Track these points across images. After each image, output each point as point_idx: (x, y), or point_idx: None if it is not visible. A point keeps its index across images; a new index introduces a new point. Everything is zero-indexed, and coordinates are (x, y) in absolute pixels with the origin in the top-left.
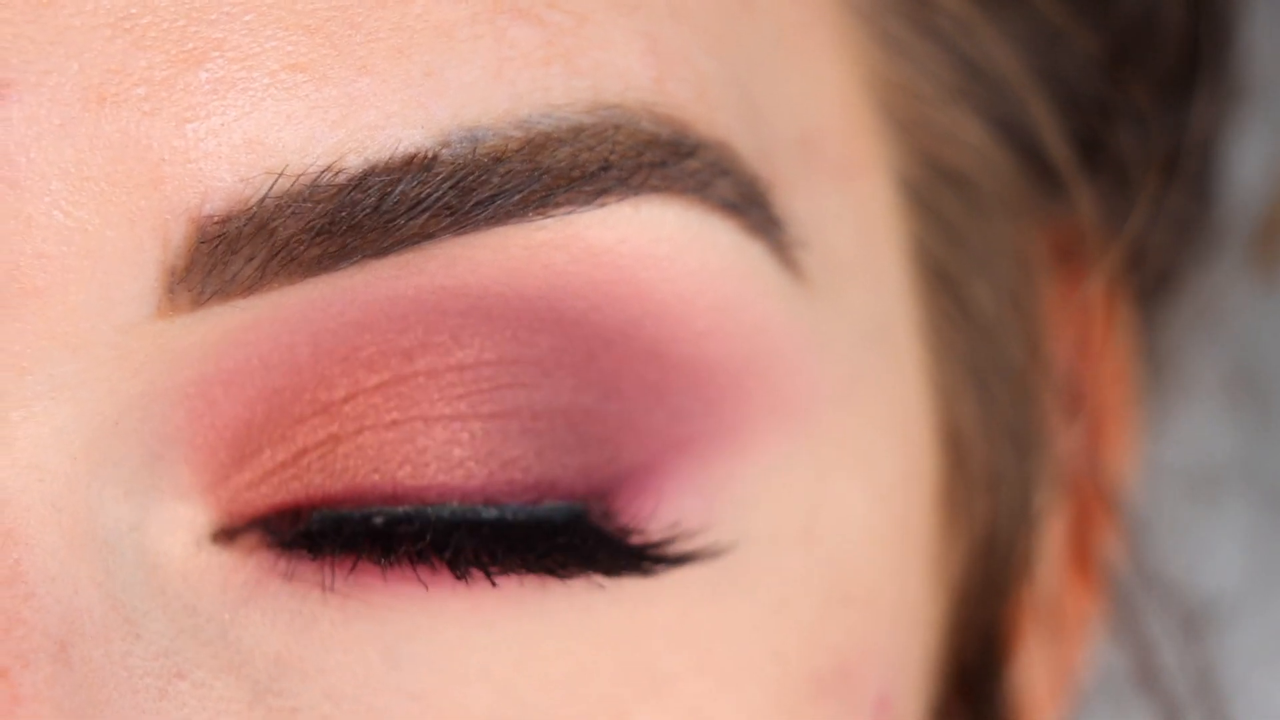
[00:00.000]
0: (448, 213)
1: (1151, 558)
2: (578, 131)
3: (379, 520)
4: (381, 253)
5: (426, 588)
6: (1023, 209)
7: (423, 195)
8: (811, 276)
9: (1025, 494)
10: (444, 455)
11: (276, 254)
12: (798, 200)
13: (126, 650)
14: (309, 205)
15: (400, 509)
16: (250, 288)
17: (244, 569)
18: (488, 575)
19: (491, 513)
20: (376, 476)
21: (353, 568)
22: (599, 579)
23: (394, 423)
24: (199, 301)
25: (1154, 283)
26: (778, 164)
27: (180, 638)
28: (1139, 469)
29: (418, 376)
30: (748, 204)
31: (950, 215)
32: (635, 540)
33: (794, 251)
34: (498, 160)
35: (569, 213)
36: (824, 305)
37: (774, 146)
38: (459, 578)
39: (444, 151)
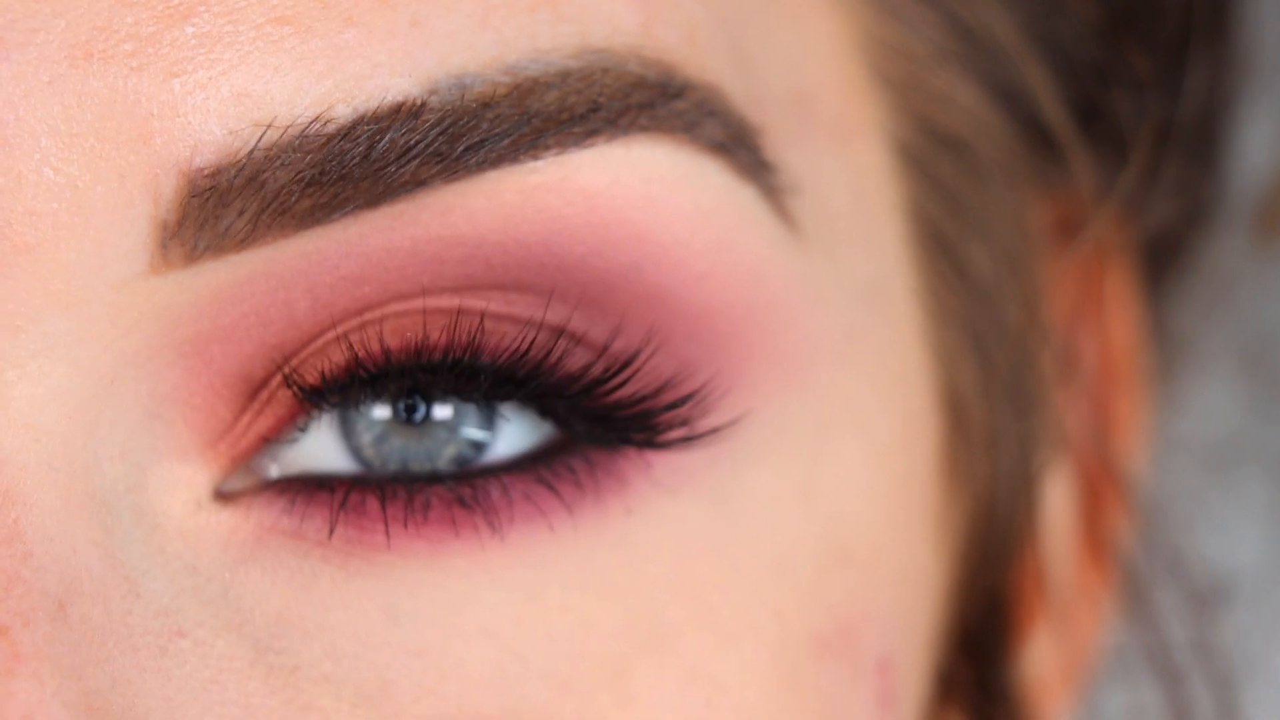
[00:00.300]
0: (437, 159)
1: (1166, 535)
2: (565, 75)
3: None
4: (373, 202)
5: (423, 525)
6: (1021, 174)
7: (412, 142)
8: (805, 228)
9: (1025, 456)
10: (457, 329)
11: (268, 206)
12: (791, 153)
13: (126, 609)
14: (298, 156)
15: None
16: (243, 241)
17: (245, 527)
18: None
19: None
20: (391, 342)
21: (353, 510)
22: (599, 451)
23: (401, 313)
24: (192, 257)
25: (1166, 259)
26: (770, 114)
27: (181, 596)
28: (1153, 446)
29: (416, 295)
30: (736, 145)
31: (946, 179)
32: (639, 409)
33: (786, 198)
34: (486, 105)
35: (559, 154)
36: (819, 258)
37: (766, 97)
38: (465, 489)
39: (432, 99)
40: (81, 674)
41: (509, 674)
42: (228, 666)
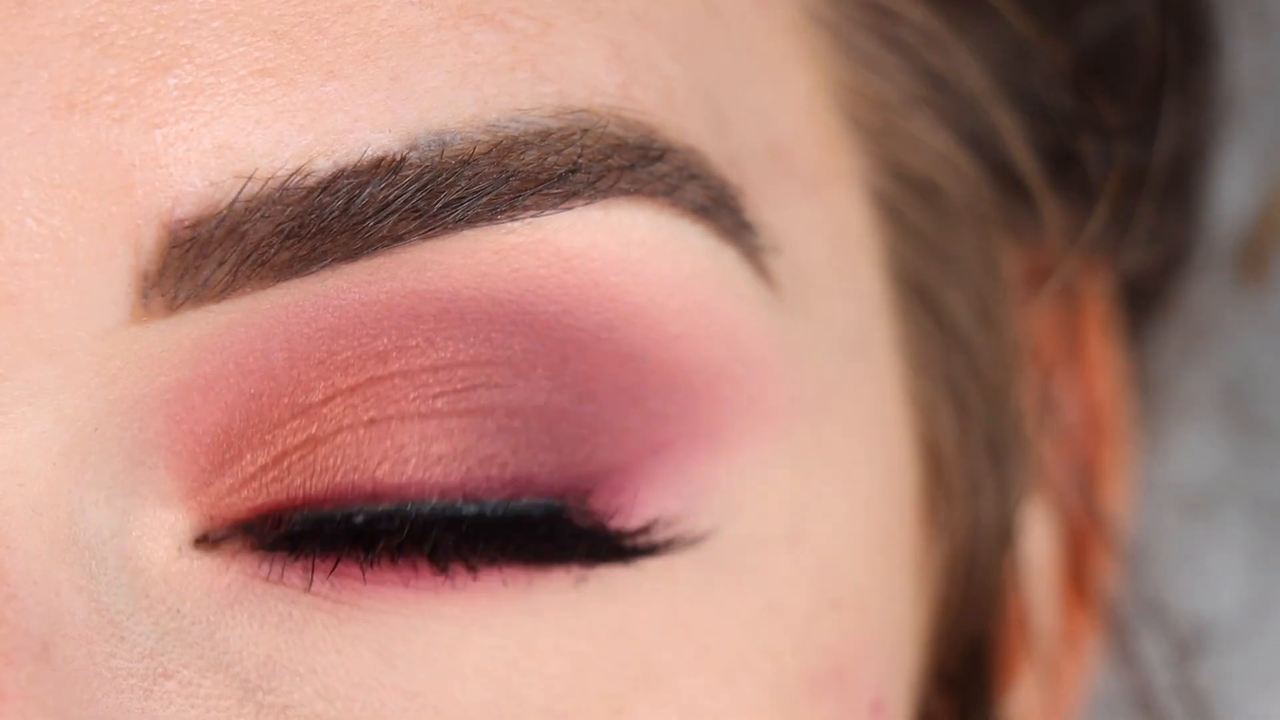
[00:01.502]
0: (415, 215)
1: (1148, 580)
2: (545, 135)
3: (359, 519)
4: (352, 256)
5: (407, 585)
6: (992, 220)
7: (390, 198)
8: (783, 285)
9: (1004, 504)
10: (422, 452)
11: (247, 257)
12: (767, 208)
13: (110, 652)
14: (278, 208)
15: (380, 507)
16: (223, 292)
17: (227, 574)
18: (469, 568)
19: (471, 508)
20: (356, 475)
21: (334, 569)
22: (578, 570)
23: (371, 421)
24: (172, 307)
25: (1144, 303)
26: (747, 171)
27: (165, 639)
28: (1135, 490)
29: (393, 377)
30: (718, 208)
31: (921, 225)
32: (613, 526)
33: (765, 258)
34: (465, 163)
35: (536, 215)
36: (797, 314)
37: (742, 154)
38: (440, 572)
39: (411, 154)
40: (66, 714)
41: (506, 712)
42: (216, 705)
